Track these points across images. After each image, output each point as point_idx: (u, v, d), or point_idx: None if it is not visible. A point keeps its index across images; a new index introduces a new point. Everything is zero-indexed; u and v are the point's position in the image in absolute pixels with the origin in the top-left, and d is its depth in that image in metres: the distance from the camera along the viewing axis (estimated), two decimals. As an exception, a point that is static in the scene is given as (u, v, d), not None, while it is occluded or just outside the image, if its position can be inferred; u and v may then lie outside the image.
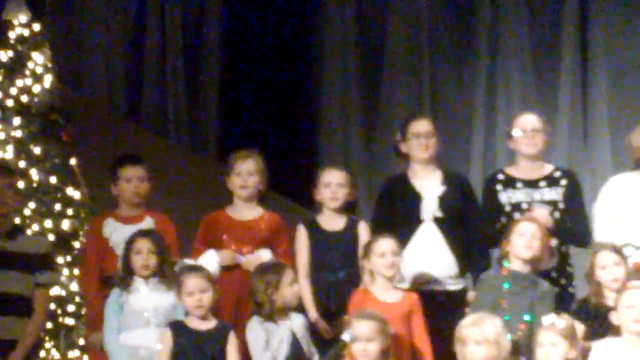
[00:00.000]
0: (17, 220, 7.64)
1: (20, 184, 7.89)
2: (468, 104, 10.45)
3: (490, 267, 6.89)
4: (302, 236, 6.94)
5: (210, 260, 6.60)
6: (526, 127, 6.98)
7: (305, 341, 6.39)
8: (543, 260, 6.54)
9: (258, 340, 6.28)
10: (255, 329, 6.32)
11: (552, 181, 6.97)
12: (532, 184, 6.95)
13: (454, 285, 6.96)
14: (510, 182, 6.97)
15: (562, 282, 6.85)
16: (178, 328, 6.28)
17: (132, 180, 7.00)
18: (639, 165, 6.83)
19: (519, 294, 6.39)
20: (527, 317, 6.33)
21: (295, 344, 6.33)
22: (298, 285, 6.42)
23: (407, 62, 10.61)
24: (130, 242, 6.59)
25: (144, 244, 6.54)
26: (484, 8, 10.47)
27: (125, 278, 6.56)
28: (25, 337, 6.52)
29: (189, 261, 6.54)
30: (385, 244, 6.53)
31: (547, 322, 6.09)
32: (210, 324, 6.30)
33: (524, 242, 6.42)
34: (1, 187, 6.73)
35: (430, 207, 6.98)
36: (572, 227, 6.91)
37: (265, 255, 6.87)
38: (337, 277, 6.82)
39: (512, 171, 7.06)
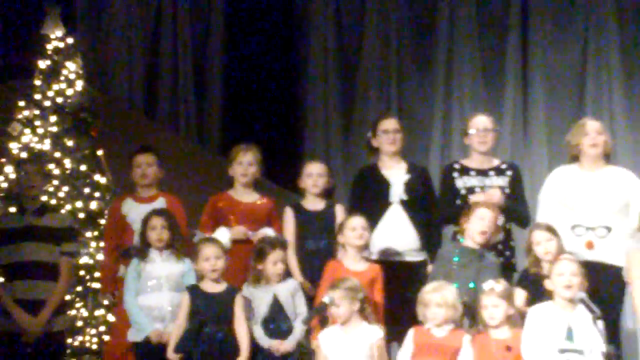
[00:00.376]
0: (54, 201, 7.65)
1: (56, 171, 7.92)
2: (428, 108, 10.38)
3: (442, 243, 6.89)
4: (289, 216, 6.91)
5: (223, 235, 6.54)
6: (479, 126, 6.92)
7: (289, 305, 6.35)
8: (492, 237, 6.50)
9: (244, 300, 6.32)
10: (242, 290, 6.34)
11: (499, 171, 6.91)
12: (483, 172, 6.89)
13: (416, 257, 6.92)
14: (465, 171, 6.90)
15: (507, 254, 6.80)
16: (194, 291, 6.26)
17: (141, 166, 7.00)
18: (574, 159, 6.79)
19: (466, 266, 6.35)
20: (471, 285, 6.28)
21: (274, 305, 6.31)
22: (282, 265, 6.36)
23: (378, 75, 10.56)
24: (146, 220, 6.55)
25: (158, 221, 6.49)
26: (442, 32, 10.41)
27: (143, 250, 6.51)
28: (52, 297, 6.48)
29: (206, 234, 6.53)
30: (356, 220, 6.51)
31: (487, 287, 6.09)
32: (221, 287, 6.28)
33: (481, 226, 6.38)
34: (31, 173, 6.73)
35: (397, 192, 6.93)
36: (515, 210, 6.83)
37: (270, 232, 6.82)
38: (318, 246, 6.80)
39: (466, 162, 6.98)
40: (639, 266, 6.14)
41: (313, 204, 6.92)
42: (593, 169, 6.69)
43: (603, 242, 6.52)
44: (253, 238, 6.76)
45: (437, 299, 6.00)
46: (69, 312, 7.11)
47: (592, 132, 6.68)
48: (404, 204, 6.89)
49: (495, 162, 6.98)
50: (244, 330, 6.19)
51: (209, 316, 6.17)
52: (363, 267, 6.47)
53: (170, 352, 6.16)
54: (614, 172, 6.73)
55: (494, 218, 6.41)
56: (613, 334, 6.14)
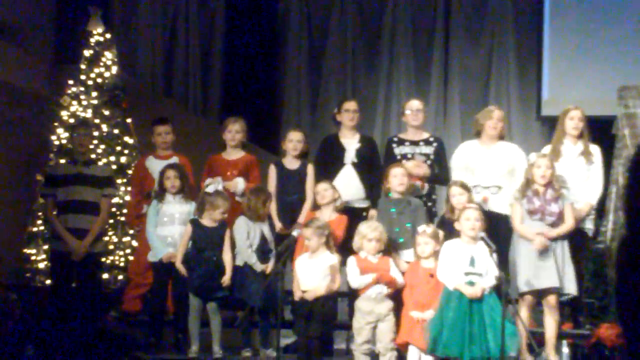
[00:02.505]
0: (93, 156, 7.54)
1: (95, 133, 7.78)
2: (373, 94, 10.35)
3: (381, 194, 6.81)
4: (272, 172, 6.81)
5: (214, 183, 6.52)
6: (413, 108, 6.86)
7: (269, 238, 6.35)
8: (412, 188, 6.49)
9: (243, 232, 6.24)
10: (241, 225, 6.28)
11: (427, 142, 6.86)
12: (415, 143, 6.85)
13: (362, 204, 6.82)
14: (401, 142, 6.85)
15: (429, 204, 6.78)
16: (195, 223, 6.28)
17: (161, 134, 6.95)
18: (477, 134, 6.78)
19: (401, 212, 6.32)
20: (408, 225, 6.26)
21: (262, 238, 6.30)
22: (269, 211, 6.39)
23: (338, 68, 10.45)
24: (163, 171, 6.54)
25: (171, 172, 6.49)
26: (386, 39, 10.35)
27: (161, 193, 6.51)
28: (94, 227, 6.46)
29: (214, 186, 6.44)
30: (323, 185, 6.46)
31: (420, 230, 6.09)
32: (216, 223, 6.26)
33: (398, 181, 6.34)
34: (83, 135, 6.66)
35: (350, 156, 6.84)
36: (438, 172, 6.81)
37: (240, 181, 6.75)
38: (293, 198, 6.73)
39: (402, 135, 6.94)
40: (517, 217, 6.24)
41: (291, 163, 6.80)
42: (489, 145, 6.67)
43: (495, 198, 6.51)
44: (226, 186, 6.65)
45: (376, 235, 5.99)
46: (104, 239, 7.07)
47: (495, 118, 6.67)
48: (355, 165, 6.81)
49: (425, 135, 6.93)
50: (229, 256, 6.21)
51: (206, 242, 6.18)
52: (332, 217, 6.40)
53: (178, 264, 6.21)
54: (503, 146, 6.71)
55: (404, 172, 6.36)
56: (504, 263, 6.15)
